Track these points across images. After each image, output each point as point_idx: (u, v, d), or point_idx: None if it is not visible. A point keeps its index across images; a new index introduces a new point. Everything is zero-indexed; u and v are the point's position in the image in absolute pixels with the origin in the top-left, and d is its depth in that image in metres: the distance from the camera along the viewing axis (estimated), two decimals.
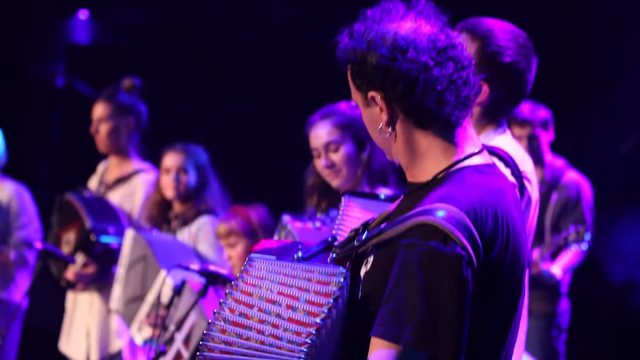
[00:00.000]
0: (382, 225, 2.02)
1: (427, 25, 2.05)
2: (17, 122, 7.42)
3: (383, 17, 2.06)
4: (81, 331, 5.22)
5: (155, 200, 5.02)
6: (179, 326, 3.96)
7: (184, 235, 4.92)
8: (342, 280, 1.94)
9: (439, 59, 2.02)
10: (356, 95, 2.12)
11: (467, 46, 2.50)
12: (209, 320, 1.95)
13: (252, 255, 2.04)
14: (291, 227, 3.32)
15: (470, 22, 2.90)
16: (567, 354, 5.62)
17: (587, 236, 5.35)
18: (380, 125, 2.07)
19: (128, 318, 4.75)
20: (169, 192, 4.94)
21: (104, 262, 5.07)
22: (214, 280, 3.70)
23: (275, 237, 3.34)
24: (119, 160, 5.40)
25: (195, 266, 3.77)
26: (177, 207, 5.01)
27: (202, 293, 3.65)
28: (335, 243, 2.20)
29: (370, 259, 2.03)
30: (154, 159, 5.40)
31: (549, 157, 5.66)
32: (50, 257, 4.95)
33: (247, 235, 4.33)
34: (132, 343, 5.07)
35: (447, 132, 2.07)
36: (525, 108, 5.50)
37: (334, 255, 2.05)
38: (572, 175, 5.68)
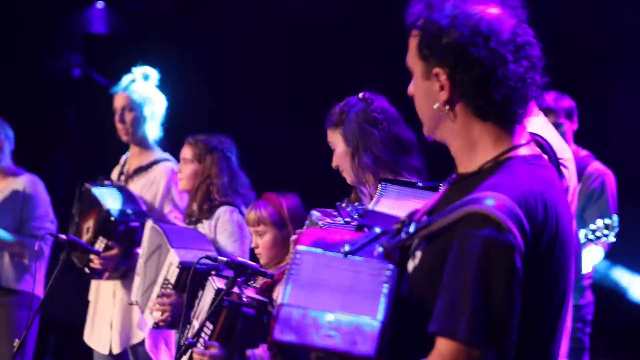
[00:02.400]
0: (430, 217, 1.97)
1: (510, 18, 2.00)
2: (35, 113, 7.40)
3: None
4: (104, 323, 5.20)
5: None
6: (203, 322, 3.92)
7: (205, 227, 4.88)
8: (389, 274, 1.90)
9: (517, 55, 1.98)
10: (415, 64, 2.06)
11: None
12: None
13: (299, 248, 1.98)
14: (323, 223, 3.26)
15: None
16: (591, 346, 5.58)
17: (615, 229, 5.29)
18: (436, 104, 2.02)
19: (143, 306, 4.72)
20: (179, 184, 4.93)
21: (125, 244, 5.04)
22: (241, 272, 3.64)
23: (295, 236, 3.28)
24: (140, 150, 5.38)
25: (222, 258, 3.71)
26: (195, 198, 4.95)
27: (230, 285, 3.60)
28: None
29: (418, 253, 1.99)
30: (170, 150, 5.38)
31: (572, 147, 5.61)
32: (75, 248, 4.91)
33: (277, 225, 4.24)
34: (153, 334, 5.05)
35: (503, 125, 2.03)
36: (550, 97, 5.45)
37: (382, 249, 1.99)
38: (596, 166, 5.63)
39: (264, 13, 7.22)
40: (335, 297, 1.90)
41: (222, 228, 4.83)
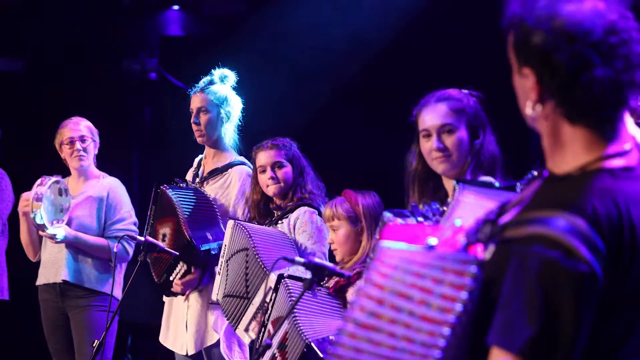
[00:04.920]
0: (513, 216, 1.90)
1: (608, 12, 1.87)
2: (113, 115, 7.49)
3: None
4: (179, 324, 5.22)
5: (255, 200, 4.98)
6: (276, 329, 3.91)
7: (284, 227, 4.87)
8: (476, 270, 1.82)
9: (609, 57, 1.85)
10: (512, 57, 1.97)
11: None
12: (341, 327, 1.84)
13: (382, 243, 1.90)
14: (393, 220, 3.21)
15: None
16: None
17: None
18: (529, 101, 1.93)
19: (227, 311, 4.72)
20: (271, 189, 4.89)
21: (205, 267, 5.07)
22: (319, 274, 3.61)
23: (377, 236, 3.23)
24: (215, 152, 5.37)
25: (300, 259, 3.69)
26: (277, 201, 4.96)
27: (308, 287, 3.57)
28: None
29: (492, 247, 1.89)
30: (246, 153, 5.37)
31: None
32: (152, 250, 4.95)
33: (350, 220, 4.24)
34: (228, 336, 5.06)
35: (596, 130, 1.91)
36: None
37: (465, 242, 1.91)
38: None
39: (336, 14, 7.19)
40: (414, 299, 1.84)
41: (302, 229, 4.81)
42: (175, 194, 5.14)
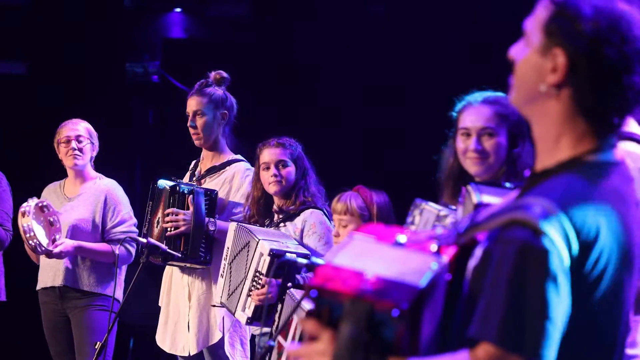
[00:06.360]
0: (481, 217, 1.92)
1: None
2: (116, 117, 7.49)
3: None
4: (181, 326, 5.22)
5: (256, 197, 4.97)
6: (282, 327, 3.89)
7: (289, 230, 4.86)
8: (434, 268, 1.86)
9: None
10: (535, 34, 1.94)
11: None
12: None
13: (354, 233, 1.98)
14: (425, 204, 3.16)
15: None
16: None
17: None
18: (543, 84, 1.92)
19: (232, 307, 4.72)
20: (272, 187, 4.88)
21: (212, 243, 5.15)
22: None
23: (409, 219, 3.19)
24: (212, 154, 5.38)
25: (302, 260, 3.68)
26: (278, 201, 4.95)
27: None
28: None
29: (478, 251, 1.92)
30: (243, 153, 5.38)
31: None
32: (155, 252, 4.93)
33: (363, 219, 4.21)
34: (230, 334, 5.07)
35: (596, 127, 1.93)
36: None
37: (436, 245, 1.93)
38: None
39: (342, 16, 7.20)
40: (381, 265, 1.88)
41: (311, 231, 4.82)
42: (164, 181, 5.21)
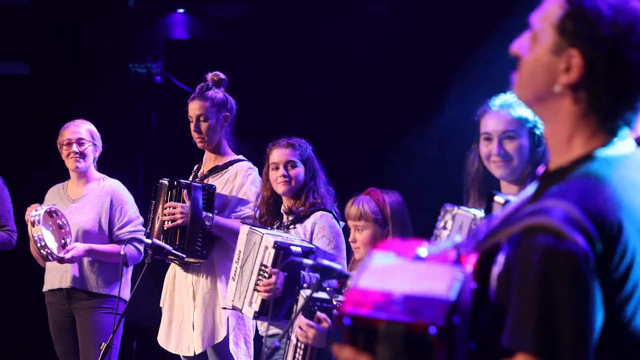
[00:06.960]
0: (499, 221, 1.90)
1: None
2: (117, 118, 7.49)
3: None
4: (185, 326, 5.24)
5: (265, 197, 4.98)
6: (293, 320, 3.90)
7: (299, 232, 4.85)
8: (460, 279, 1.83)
9: None
10: (546, 31, 1.91)
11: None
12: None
13: (373, 251, 1.96)
14: (458, 209, 3.17)
15: None
16: None
17: None
18: (557, 84, 1.89)
19: (239, 304, 4.73)
20: (281, 187, 4.88)
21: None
22: (327, 275, 3.61)
23: (440, 224, 3.20)
24: (215, 155, 5.40)
25: (308, 261, 3.69)
26: (287, 202, 4.94)
27: (316, 288, 3.57)
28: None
29: (501, 258, 1.89)
30: (246, 154, 5.40)
31: None
32: (159, 253, 4.94)
33: (378, 223, 4.18)
34: (235, 333, 5.09)
35: (608, 125, 1.91)
36: None
37: (457, 254, 1.90)
38: None
39: (342, 16, 7.20)
40: (407, 282, 1.84)
41: (320, 234, 4.80)
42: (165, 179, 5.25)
